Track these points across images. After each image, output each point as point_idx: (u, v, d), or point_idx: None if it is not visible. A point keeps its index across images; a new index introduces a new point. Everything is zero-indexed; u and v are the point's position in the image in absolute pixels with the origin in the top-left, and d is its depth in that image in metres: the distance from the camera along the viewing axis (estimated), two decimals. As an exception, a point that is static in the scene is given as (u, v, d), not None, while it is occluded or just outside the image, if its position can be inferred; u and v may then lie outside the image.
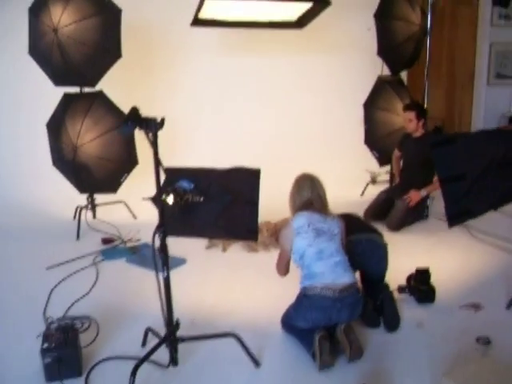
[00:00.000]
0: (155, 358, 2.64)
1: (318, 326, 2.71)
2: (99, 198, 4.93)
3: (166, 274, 2.48)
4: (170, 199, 2.67)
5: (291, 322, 2.86)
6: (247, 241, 3.79)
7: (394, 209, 4.70)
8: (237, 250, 4.30)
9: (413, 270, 3.45)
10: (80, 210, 4.74)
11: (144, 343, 2.89)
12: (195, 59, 5.85)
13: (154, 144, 2.35)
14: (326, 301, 2.68)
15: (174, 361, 2.61)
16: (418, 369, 2.63)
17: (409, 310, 3.22)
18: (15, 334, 3.06)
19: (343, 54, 5.99)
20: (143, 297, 3.49)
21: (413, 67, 5.43)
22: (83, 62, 4.39)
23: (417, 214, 4.79)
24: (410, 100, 5.21)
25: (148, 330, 2.84)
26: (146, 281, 3.76)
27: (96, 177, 4.61)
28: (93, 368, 2.71)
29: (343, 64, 6.04)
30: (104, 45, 4.40)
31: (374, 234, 3.29)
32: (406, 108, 4.84)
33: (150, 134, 2.35)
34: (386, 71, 5.32)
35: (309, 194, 2.94)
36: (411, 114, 4.73)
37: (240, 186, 2.87)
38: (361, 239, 3.15)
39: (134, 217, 5.09)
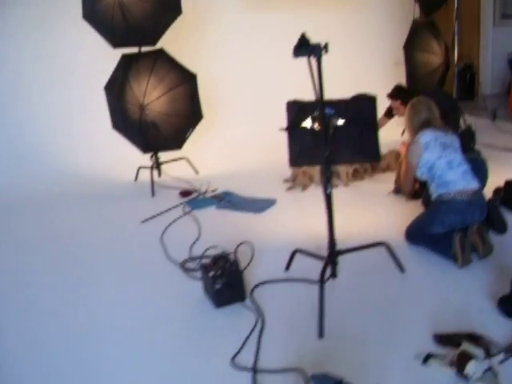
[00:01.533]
0: (302, 275, 2.96)
1: (454, 228, 2.99)
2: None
3: (329, 190, 2.68)
4: (308, 124, 2.90)
5: (424, 230, 3.12)
6: (372, 162, 4.00)
7: None
8: (315, 188, 4.53)
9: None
10: (151, 169, 4.83)
11: (288, 266, 3.10)
12: (221, 18, 5.94)
13: (319, 69, 2.51)
14: (461, 204, 2.97)
15: (334, 274, 2.84)
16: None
17: (506, 216, 3.50)
18: (155, 280, 3.24)
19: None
20: (258, 232, 3.69)
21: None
22: (145, 20, 4.47)
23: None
24: (394, 87, 4.99)
25: (296, 252, 3.05)
26: (250, 220, 3.97)
27: (163, 134, 4.73)
28: (252, 292, 2.91)
29: (375, 10, 6.27)
30: (165, 1, 4.48)
31: (478, 152, 3.59)
32: (390, 97, 4.81)
33: (314, 60, 2.49)
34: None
35: (426, 114, 3.21)
36: (396, 103, 4.77)
37: (363, 111, 3.08)
38: (469, 157, 3.41)
39: (196, 172, 5.23)
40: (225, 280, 2.76)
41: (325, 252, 2.80)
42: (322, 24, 5.98)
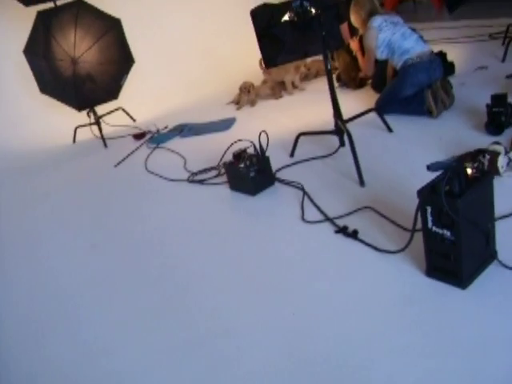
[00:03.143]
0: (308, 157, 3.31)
1: (422, 88, 3.49)
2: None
3: (329, 66, 3.02)
4: (286, 17, 3.21)
5: (397, 95, 3.59)
6: (337, 49, 4.29)
7: None
8: (264, 102, 4.85)
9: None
10: (97, 123, 4.78)
11: (293, 152, 3.42)
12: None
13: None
14: (425, 63, 3.49)
15: (342, 143, 3.21)
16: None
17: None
18: (173, 198, 3.42)
19: None
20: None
21: None
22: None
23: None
24: None
25: (300, 135, 3.38)
26: (222, 137, 4.16)
27: (99, 85, 4.72)
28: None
29: None
30: None
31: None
32: None
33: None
34: None
35: (369, 5, 3.71)
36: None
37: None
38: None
39: (133, 119, 5.27)
40: (256, 167, 3.01)
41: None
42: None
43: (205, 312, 2.12)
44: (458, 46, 5.03)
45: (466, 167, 1.96)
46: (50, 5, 4.58)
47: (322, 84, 4.85)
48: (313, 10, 3.24)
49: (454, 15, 5.69)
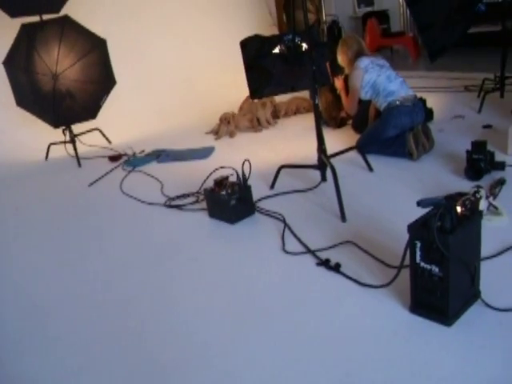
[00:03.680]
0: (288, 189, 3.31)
1: (404, 130, 3.55)
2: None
3: (316, 101, 3.05)
4: (277, 49, 3.26)
5: (379, 136, 3.63)
6: (323, 86, 4.30)
7: None
8: (243, 134, 4.85)
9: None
10: (72, 141, 4.69)
11: (273, 184, 3.41)
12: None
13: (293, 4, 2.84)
14: (408, 107, 3.55)
15: (324, 178, 3.23)
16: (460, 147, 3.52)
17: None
18: (149, 223, 3.34)
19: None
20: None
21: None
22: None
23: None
24: None
25: (281, 168, 3.37)
26: (200, 165, 4.13)
27: (78, 102, 4.66)
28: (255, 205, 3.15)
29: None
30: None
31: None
32: None
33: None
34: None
35: (357, 45, 3.80)
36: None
37: (316, 39, 3.51)
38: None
39: (109, 142, 5.20)
40: (237, 196, 2.98)
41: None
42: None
43: (180, 338, 2.04)
44: (434, 95, 5.16)
45: (456, 205, 1.97)
46: (36, 18, 4.52)
47: (301, 120, 4.94)
48: (304, 45, 3.30)
49: (429, 66, 5.89)
